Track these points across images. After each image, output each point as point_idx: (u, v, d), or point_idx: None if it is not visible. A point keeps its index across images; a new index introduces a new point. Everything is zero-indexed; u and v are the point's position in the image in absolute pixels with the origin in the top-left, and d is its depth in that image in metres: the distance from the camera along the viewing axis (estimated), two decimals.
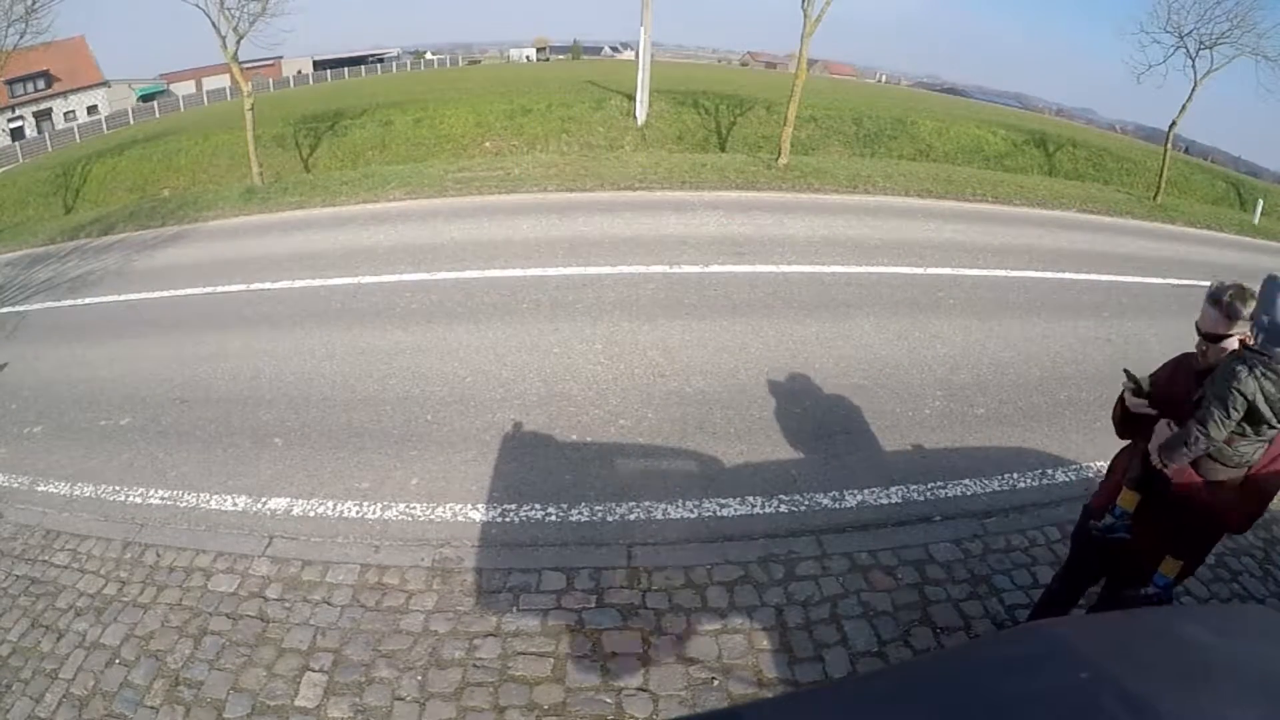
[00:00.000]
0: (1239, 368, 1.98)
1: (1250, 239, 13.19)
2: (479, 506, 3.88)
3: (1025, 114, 43.27)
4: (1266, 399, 1.96)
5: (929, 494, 3.96)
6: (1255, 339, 1.97)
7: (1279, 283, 1.94)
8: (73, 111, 43.15)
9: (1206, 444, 2.07)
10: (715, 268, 7.41)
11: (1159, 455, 2.20)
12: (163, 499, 4.18)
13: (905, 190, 11.75)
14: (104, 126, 39.61)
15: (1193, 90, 15.09)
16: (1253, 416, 2.00)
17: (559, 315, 6.31)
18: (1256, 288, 2.05)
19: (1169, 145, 15.68)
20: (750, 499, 3.88)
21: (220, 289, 7.62)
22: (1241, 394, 1.97)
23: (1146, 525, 2.29)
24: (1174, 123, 15.50)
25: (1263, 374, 1.94)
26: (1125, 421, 2.48)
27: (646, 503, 3.87)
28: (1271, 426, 2.02)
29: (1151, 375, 2.39)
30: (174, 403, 5.31)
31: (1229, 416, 2.01)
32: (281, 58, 42.08)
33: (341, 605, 3.22)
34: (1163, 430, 2.22)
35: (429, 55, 68.62)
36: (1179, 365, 2.39)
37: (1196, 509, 2.19)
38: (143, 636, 3.15)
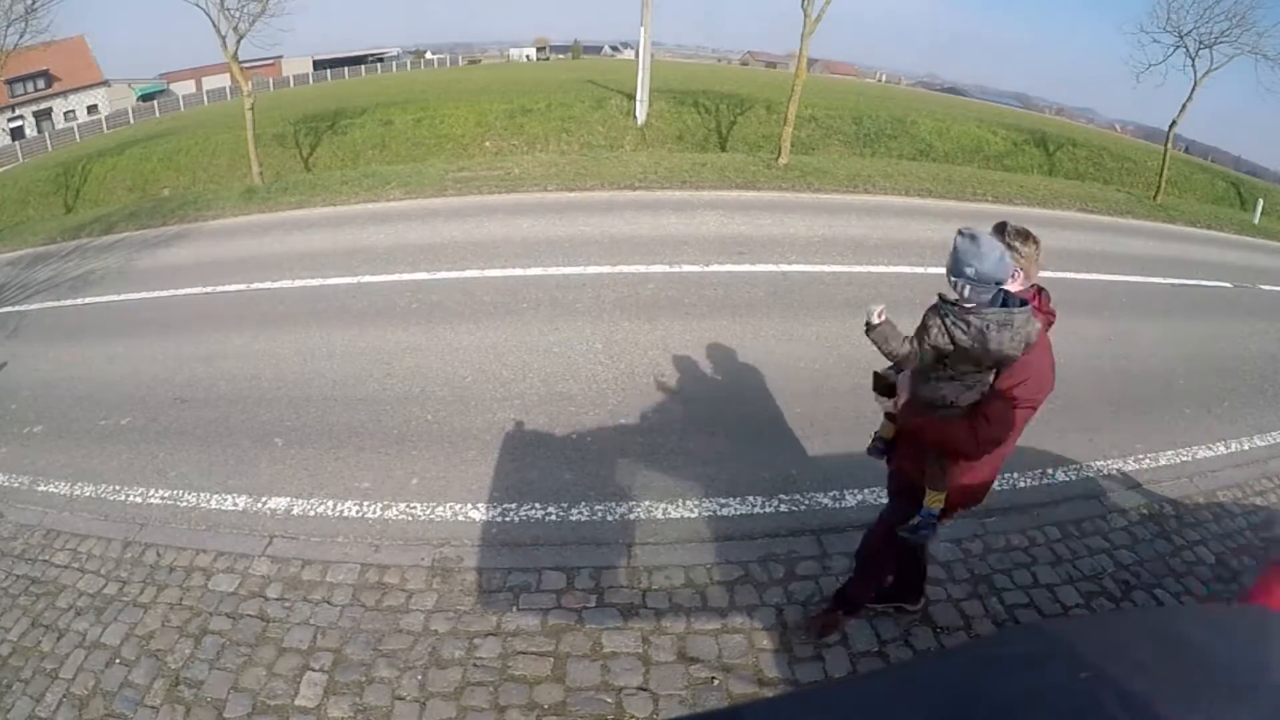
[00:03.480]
0: (932, 319, 2.17)
1: (1250, 239, 13.20)
2: (479, 506, 3.88)
3: (1025, 113, 43.29)
4: (958, 344, 2.12)
5: None
6: (960, 290, 2.11)
7: (974, 237, 2.08)
8: (73, 111, 43.15)
9: (891, 355, 2.30)
10: (715, 267, 7.41)
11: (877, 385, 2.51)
12: (163, 499, 4.18)
13: (905, 190, 11.76)
14: (104, 126, 39.63)
15: (1193, 89, 15.10)
16: (950, 359, 2.18)
17: (559, 315, 6.31)
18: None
19: (1169, 145, 15.68)
20: (750, 499, 3.88)
21: (220, 289, 7.62)
22: (931, 344, 2.17)
23: (916, 463, 2.50)
24: (1174, 122, 15.51)
25: (953, 323, 2.11)
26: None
27: (646, 502, 3.87)
28: (974, 370, 2.19)
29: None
30: (174, 402, 5.31)
31: (918, 351, 2.22)
32: (281, 57, 42.01)
33: (342, 605, 3.22)
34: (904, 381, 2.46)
35: (429, 55, 68.58)
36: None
37: (930, 444, 2.39)
38: (143, 636, 3.14)
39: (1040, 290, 2.35)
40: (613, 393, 5.03)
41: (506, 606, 3.17)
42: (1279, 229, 15.02)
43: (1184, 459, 4.57)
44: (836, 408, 4.80)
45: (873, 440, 2.70)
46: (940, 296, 2.19)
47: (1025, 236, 2.25)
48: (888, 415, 2.60)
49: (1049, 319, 2.34)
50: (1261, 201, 17.19)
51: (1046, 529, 3.73)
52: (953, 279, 2.13)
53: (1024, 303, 2.14)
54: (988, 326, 2.08)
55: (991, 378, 2.24)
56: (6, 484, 4.55)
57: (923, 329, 2.20)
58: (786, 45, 69.10)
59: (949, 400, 2.26)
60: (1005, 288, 2.16)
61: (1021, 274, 2.25)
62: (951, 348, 2.14)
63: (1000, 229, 2.24)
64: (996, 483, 4.06)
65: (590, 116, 21.52)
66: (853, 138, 21.68)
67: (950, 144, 22.14)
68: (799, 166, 12.79)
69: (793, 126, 13.27)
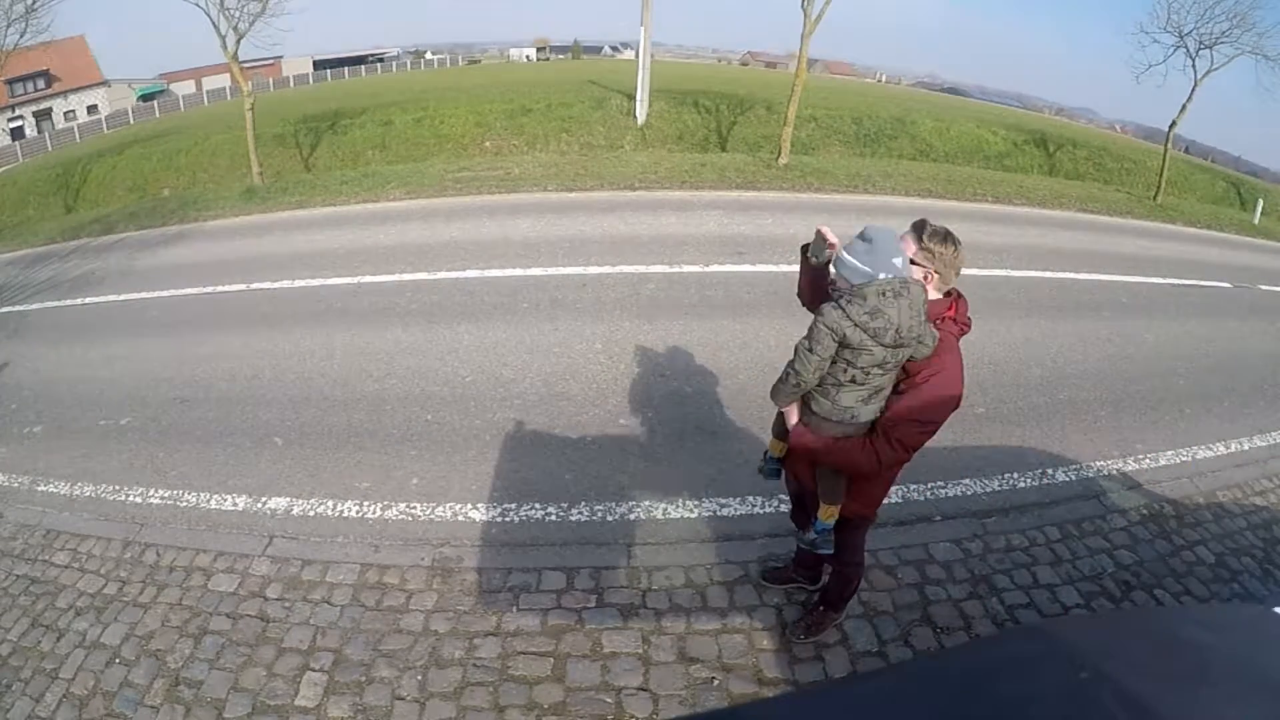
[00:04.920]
0: (825, 306, 2.10)
1: (1250, 239, 13.20)
2: (479, 506, 3.88)
3: (1025, 114, 43.28)
4: (859, 325, 2.03)
5: (929, 493, 3.96)
6: (843, 282, 2.09)
7: (864, 234, 2.06)
8: (73, 111, 43.17)
9: (797, 379, 2.17)
10: (715, 267, 7.41)
11: (772, 398, 2.35)
12: (163, 498, 4.17)
13: (905, 190, 11.76)
14: (104, 126, 39.64)
15: (1193, 90, 15.11)
16: (853, 352, 2.07)
17: (559, 315, 6.31)
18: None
19: (1169, 145, 15.68)
20: (750, 499, 3.88)
21: (220, 289, 7.62)
22: (827, 327, 2.07)
23: (810, 475, 2.46)
24: (1174, 122, 15.51)
25: (847, 302, 2.05)
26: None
27: (646, 502, 3.87)
28: (877, 368, 2.09)
29: None
30: (174, 402, 5.31)
31: (812, 351, 2.11)
32: (281, 57, 42.04)
33: (341, 605, 3.22)
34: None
35: (429, 55, 68.69)
36: None
37: (824, 461, 2.32)
38: (143, 636, 3.14)
39: (959, 298, 2.25)
40: (613, 393, 5.03)
41: (506, 606, 3.17)
42: (1279, 229, 15.02)
43: (1184, 459, 4.57)
44: None
45: (764, 459, 2.62)
46: (831, 284, 2.17)
47: (944, 238, 2.14)
48: (777, 434, 2.53)
49: (963, 329, 2.24)
50: (1261, 201, 17.19)
51: (1046, 529, 3.73)
52: (834, 269, 2.12)
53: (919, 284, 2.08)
54: (883, 295, 2.00)
55: (889, 382, 2.17)
56: (6, 484, 4.55)
57: (813, 331, 2.11)
58: (787, 45, 69.17)
59: (850, 414, 2.18)
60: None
61: (936, 276, 2.16)
62: (850, 329, 2.03)
63: (918, 228, 2.17)
64: (996, 483, 4.11)
65: (590, 116, 21.51)
66: (853, 138, 21.67)
67: (950, 144, 22.13)
68: (799, 167, 12.79)
69: (793, 127, 13.27)
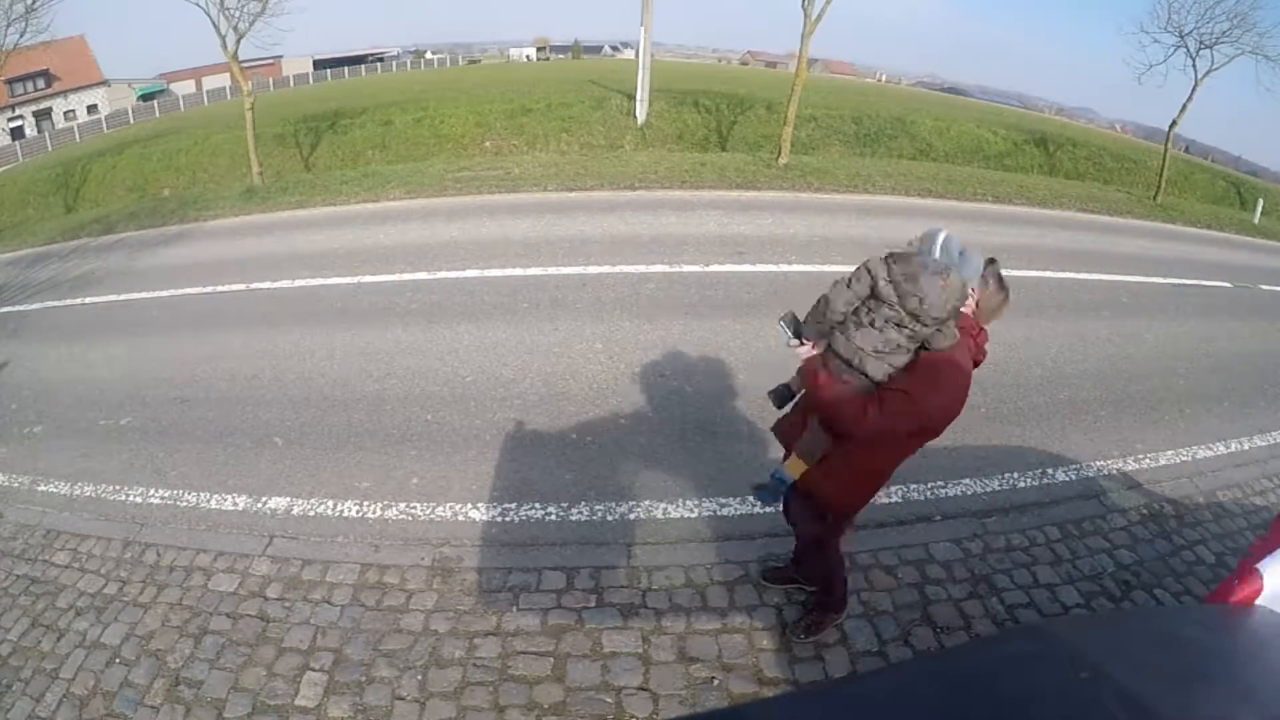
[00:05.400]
0: (874, 257, 2.19)
1: (1250, 238, 13.20)
2: (479, 506, 3.88)
3: (1025, 113, 43.31)
4: (893, 282, 2.11)
5: (929, 493, 3.96)
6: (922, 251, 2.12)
7: (964, 252, 2.10)
8: (73, 111, 43.17)
9: (826, 306, 2.26)
10: (716, 267, 7.41)
11: (802, 325, 2.39)
12: (163, 498, 4.17)
13: (905, 190, 11.75)
14: (104, 126, 39.65)
15: (1193, 90, 15.11)
16: (877, 304, 2.16)
17: (559, 315, 6.31)
18: None
19: (1169, 144, 15.68)
20: (750, 499, 3.86)
21: (220, 289, 7.62)
22: (867, 269, 2.17)
23: (798, 433, 2.51)
24: (1174, 122, 15.51)
25: (893, 261, 2.13)
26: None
27: (647, 502, 3.87)
28: (897, 329, 2.14)
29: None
30: (174, 402, 5.31)
31: (849, 286, 2.21)
32: (281, 57, 42.02)
33: (342, 604, 3.22)
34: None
35: (429, 55, 68.67)
36: None
37: (819, 404, 2.35)
38: (143, 636, 3.14)
39: (981, 329, 2.39)
40: (613, 393, 5.03)
41: (506, 606, 3.17)
42: (1279, 229, 15.02)
43: (1184, 459, 4.57)
44: None
45: (772, 478, 2.59)
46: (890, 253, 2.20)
47: (1002, 283, 2.31)
48: (794, 453, 2.53)
49: (978, 351, 2.38)
50: (1261, 201, 17.18)
51: (1047, 529, 3.73)
52: (924, 248, 2.13)
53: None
54: (926, 266, 2.06)
55: (907, 357, 2.20)
56: (6, 484, 4.55)
57: (856, 270, 2.20)
58: (786, 45, 69.13)
59: (859, 356, 2.21)
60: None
61: (975, 307, 2.30)
62: (884, 282, 2.12)
63: (991, 261, 2.28)
64: (996, 482, 4.11)
65: (590, 116, 21.52)
66: (853, 138, 21.69)
67: (950, 144, 22.14)
68: (799, 166, 12.79)
69: (793, 126, 13.27)
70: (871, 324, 2.18)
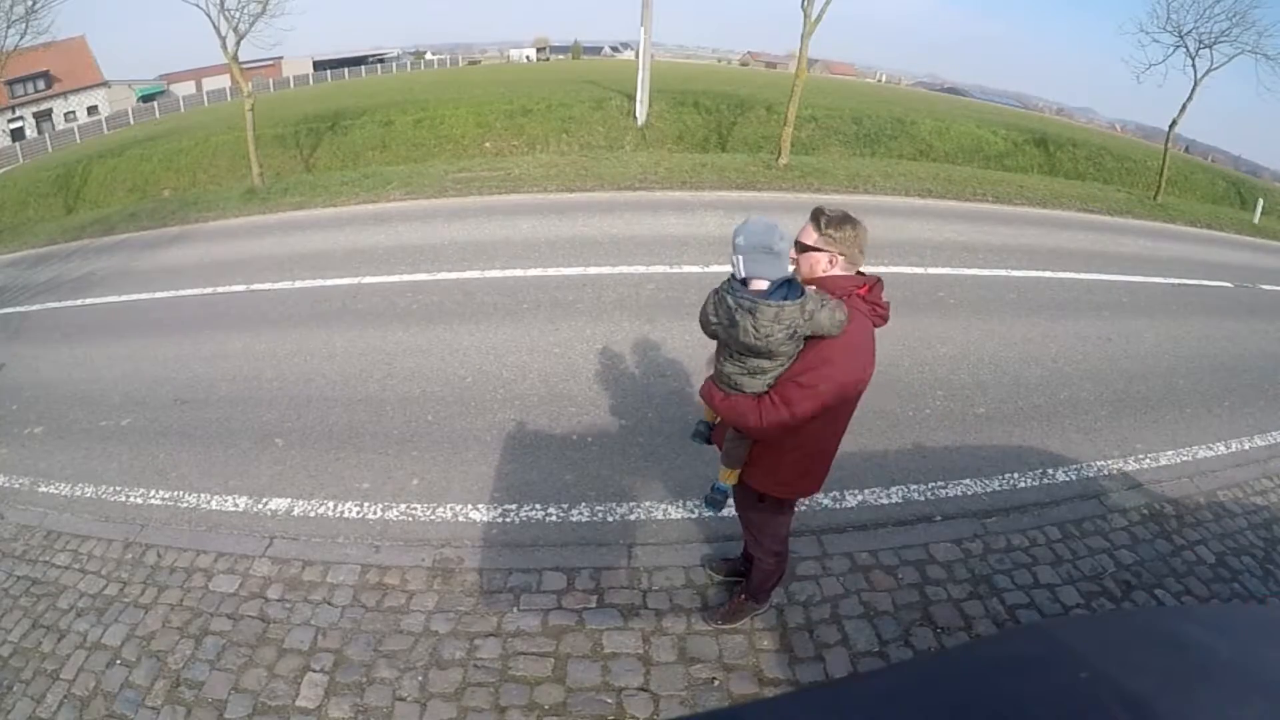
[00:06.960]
0: (711, 291, 2.23)
1: (1250, 238, 13.19)
2: (480, 506, 3.88)
3: (1025, 113, 43.33)
4: (718, 319, 2.17)
5: (929, 494, 3.96)
6: (734, 265, 2.13)
7: (747, 221, 2.14)
8: (73, 112, 43.21)
9: (702, 318, 2.28)
10: (716, 268, 7.41)
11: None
12: (163, 499, 4.18)
13: (905, 190, 11.76)
14: (104, 127, 39.67)
15: (1193, 89, 15.10)
16: (723, 339, 2.21)
17: (559, 315, 6.31)
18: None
19: (1169, 144, 15.68)
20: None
21: (221, 289, 7.63)
22: (703, 307, 2.25)
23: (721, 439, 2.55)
24: (1174, 122, 15.50)
25: (718, 299, 2.17)
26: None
27: (647, 503, 3.87)
28: (750, 355, 2.15)
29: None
30: (175, 403, 5.31)
31: (703, 308, 2.26)
32: (281, 58, 42.07)
33: (342, 605, 3.23)
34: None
35: (429, 55, 68.73)
36: None
37: (721, 413, 2.36)
38: (144, 637, 3.15)
39: (875, 282, 2.28)
40: (613, 393, 5.03)
41: (507, 607, 3.17)
42: (1279, 229, 15.01)
43: (1184, 459, 4.57)
44: None
45: (712, 489, 2.63)
46: (730, 277, 2.20)
47: (841, 221, 2.22)
48: (727, 461, 2.57)
49: (875, 311, 2.26)
50: (1261, 201, 17.16)
51: (1047, 529, 3.73)
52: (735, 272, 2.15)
53: (802, 293, 2.08)
54: (736, 308, 2.08)
55: (777, 370, 2.18)
56: (7, 485, 4.56)
57: (703, 305, 2.25)
58: (786, 45, 69.22)
59: (732, 383, 2.25)
60: (818, 274, 2.20)
61: (841, 259, 2.22)
62: (714, 322, 2.18)
63: (815, 216, 2.25)
64: (997, 483, 4.11)
65: (590, 117, 21.51)
66: (853, 138, 21.67)
67: (950, 144, 22.13)
68: (799, 167, 12.79)
69: (793, 127, 13.26)
70: (731, 357, 2.21)
